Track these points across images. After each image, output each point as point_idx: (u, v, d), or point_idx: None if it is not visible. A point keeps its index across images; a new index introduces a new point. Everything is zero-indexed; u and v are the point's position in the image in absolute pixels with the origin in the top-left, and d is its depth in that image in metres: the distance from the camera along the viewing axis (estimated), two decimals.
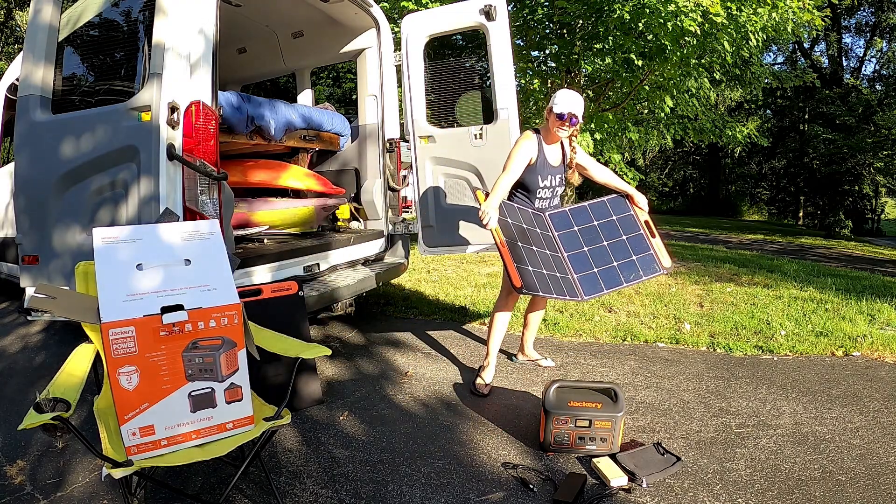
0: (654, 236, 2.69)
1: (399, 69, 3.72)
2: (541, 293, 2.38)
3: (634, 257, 2.65)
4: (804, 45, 19.66)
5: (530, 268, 2.41)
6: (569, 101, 2.55)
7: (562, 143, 2.72)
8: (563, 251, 2.65)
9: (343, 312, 3.29)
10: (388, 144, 3.83)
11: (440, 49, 8.34)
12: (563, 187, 2.84)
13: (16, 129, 2.66)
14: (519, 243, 2.47)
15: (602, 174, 2.83)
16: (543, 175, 2.69)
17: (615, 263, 2.63)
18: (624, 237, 2.70)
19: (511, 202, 2.66)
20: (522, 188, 2.73)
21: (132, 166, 2.33)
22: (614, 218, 2.76)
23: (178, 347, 1.50)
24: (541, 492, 1.85)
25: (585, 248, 2.67)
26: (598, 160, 6.86)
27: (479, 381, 2.70)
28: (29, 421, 1.24)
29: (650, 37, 5.70)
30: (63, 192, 2.53)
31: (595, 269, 2.61)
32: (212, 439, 1.56)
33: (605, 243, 2.69)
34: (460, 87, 4.07)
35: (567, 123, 2.55)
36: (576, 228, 2.73)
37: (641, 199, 2.76)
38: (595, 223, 2.75)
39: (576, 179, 2.82)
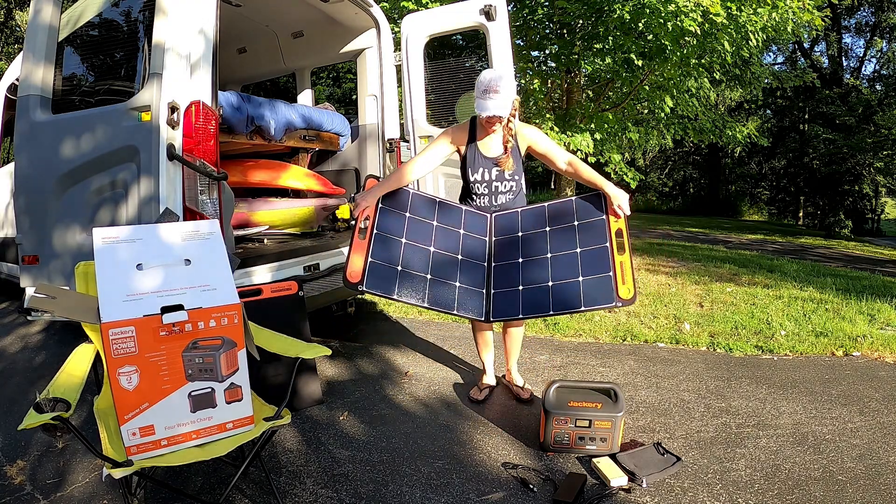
0: (622, 252, 2.13)
1: (399, 69, 3.73)
2: (398, 297, 2.05)
3: (581, 279, 2.09)
4: (804, 45, 19.65)
5: (400, 267, 2.14)
6: (489, 101, 2.16)
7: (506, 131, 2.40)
8: (492, 261, 2.26)
9: (343, 312, 3.29)
10: (388, 144, 3.84)
11: (440, 49, 8.34)
12: (512, 182, 2.43)
13: (16, 129, 2.67)
14: (405, 240, 2.20)
15: (567, 164, 2.32)
16: (475, 168, 2.39)
17: (549, 283, 2.11)
18: (578, 250, 2.15)
19: (435, 198, 2.43)
20: (463, 184, 2.50)
21: (132, 166, 2.33)
22: (575, 223, 2.22)
23: (178, 347, 1.50)
24: (541, 492, 1.85)
25: (519, 260, 2.21)
26: (598, 160, 6.90)
27: (475, 387, 2.66)
28: (29, 421, 1.24)
29: (650, 37, 5.69)
30: (63, 192, 2.53)
31: (520, 288, 2.14)
32: (212, 439, 1.56)
33: (547, 256, 2.18)
34: (460, 87, 4.07)
35: (496, 121, 2.27)
36: (519, 234, 2.29)
37: (618, 199, 2.17)
38: (546, 229, 2.26)
39: (508, 166, 2.37)
